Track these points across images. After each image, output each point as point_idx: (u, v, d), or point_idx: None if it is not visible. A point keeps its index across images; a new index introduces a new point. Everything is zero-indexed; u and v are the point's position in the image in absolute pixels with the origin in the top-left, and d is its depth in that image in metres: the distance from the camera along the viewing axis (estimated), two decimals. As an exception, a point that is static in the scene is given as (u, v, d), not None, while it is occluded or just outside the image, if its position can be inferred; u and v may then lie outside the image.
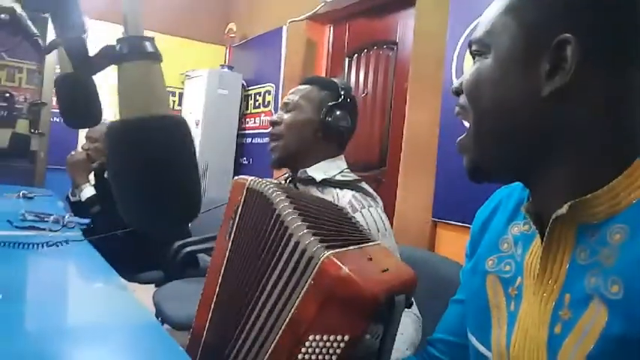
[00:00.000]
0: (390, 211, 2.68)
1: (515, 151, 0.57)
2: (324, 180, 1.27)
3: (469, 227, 1.97)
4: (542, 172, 0.57)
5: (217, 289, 1.10)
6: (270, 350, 0.84)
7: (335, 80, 1.39)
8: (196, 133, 4.23)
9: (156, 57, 0.54)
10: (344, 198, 1.22)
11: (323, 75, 3.67)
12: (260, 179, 1.12)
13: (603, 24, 0.52)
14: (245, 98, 4.40)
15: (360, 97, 3.23)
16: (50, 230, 1.65)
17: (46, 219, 1.78)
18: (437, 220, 2.32)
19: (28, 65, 3.95)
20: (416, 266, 0.84)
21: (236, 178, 1.24)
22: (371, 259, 0.86)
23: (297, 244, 0.85)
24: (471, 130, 0.60)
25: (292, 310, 0.81)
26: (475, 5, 2.18)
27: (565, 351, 0.52)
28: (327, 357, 0.74)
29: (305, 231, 0.84)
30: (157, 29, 4.60)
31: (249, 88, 4.37)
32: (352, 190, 1.25)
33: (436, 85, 2.35)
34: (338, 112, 1.30)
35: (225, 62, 4.66)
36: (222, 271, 1.09)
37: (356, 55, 3.33)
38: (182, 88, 4.71)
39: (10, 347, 0.70)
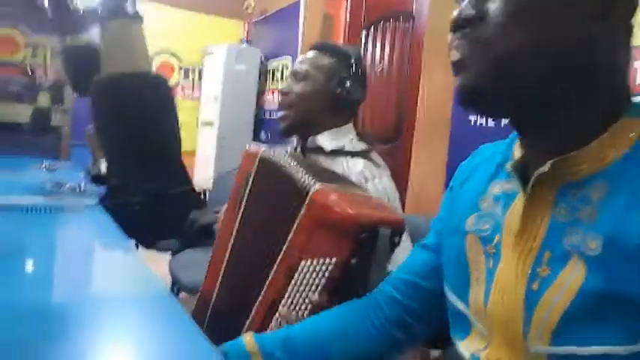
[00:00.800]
0: (404, 180, 2.69)
1: (532, 86, 0.54)
2: (333, 150, 1.28)
3: None
4: (542, 118, 0.56)
5: (227, 255, 1.13)
6: (268, 281, 0.90)
7: (346, 48, 1.37)
8: (215, 110, 4.28)
9: (135, 17, 0.56)
10: (355, 167, 1.23)
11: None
12: (271, 149, 1.15)
13: None
14: (264, 74, 4.42)
15: (376, 71, 3.21)
16: (68, 198, 1.71)
17: (66, 186, 1.85)
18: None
19: (52, 44, 4.02)
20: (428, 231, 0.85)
21: (247, 147, 1.27)
22: (362, 199, 0.92)
23: (297, 185, 0.92)
24: (487, 53, 0.54)
25: (288, 240, 0.89)
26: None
27: (542, 307, 0.52)
28: (317, 280, 0.80)
29: (309, 177, 0.91)
30: (177, 4, 4.63)
31: (267, 62, 4.38)
32: (363, 159, 1.25)
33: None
34: (349, 84, 1.29)
35: (243, 37, 4.67)
36: (232, 236, 1.13)
37: (373, 27, 3.30)
38: (202, 64, 4.75)
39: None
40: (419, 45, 2.75)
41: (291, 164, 0.98)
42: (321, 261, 0.80)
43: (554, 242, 0.53)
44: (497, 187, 0.65)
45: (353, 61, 1.31)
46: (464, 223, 0.67)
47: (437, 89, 2.43)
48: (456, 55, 0.57)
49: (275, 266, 0.91)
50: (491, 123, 2.10)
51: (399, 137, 2.92)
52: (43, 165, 2.53)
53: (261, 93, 4.42)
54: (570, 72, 0.52)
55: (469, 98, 0.57)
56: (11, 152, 3.11)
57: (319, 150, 1.28)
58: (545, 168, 0.53)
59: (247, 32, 4.77)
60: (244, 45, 4.45)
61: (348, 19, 3.61)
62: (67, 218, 1.47)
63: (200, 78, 4.80)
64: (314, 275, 0.81)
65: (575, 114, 0.54)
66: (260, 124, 4.40)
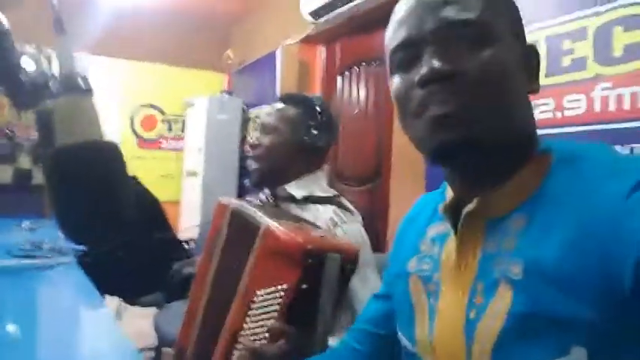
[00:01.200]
0: (385, 221, 2.72)
1: (503, 143, 0.57)
2: (304, 197, 1.30)
3: None
4: (486, 166, 0.59)
5: (203, 305, 1.15)
6: (229, 317, 0.94)
7: (310, 97, 1.41)
8: (199, 160, 4.32)
9: (87, 92, 0.60)
10: (325, 214, 1.25)
11: (318, 93, 3.75)
12: (241, 202, 1.18)
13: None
14: (245, 121, 4.49)
15: (354, 113, 3.29)
16: (45, 257, 1.71)
17: (43, 246, 1.85)
18: (429, 229, 2.34)
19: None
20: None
21: (219, 199, 1.30)
22: (311, 230, 0.97)
23: (255, 226, 0.97)
24: (472, 109, 0.56)
25: (245, 275, 0.94)
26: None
27: (479, 333, 0.55)
28: (272, 307, 0.84)
29: (267, 221, 0.95)
30: (159, 59, 4.75)
31: (249, 111, 4.46)
32: (332, 205, 1.28)
33: (421, 97, 2.40)
34: (315, 132, 1.32)
35: (224, 88, 4.77)
36: (207, 287, 1.15)
37: (347, 72, 3.40)
38: (184, 116, 4.83)
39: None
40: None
41: (258, 214, 1.01)
42: (274, 289, 0.85)
43: (486, 273, 0.57)
44: (433, 230, 0.69)
45: (318, 109, 1.35)
46: (406, 266, 0.71)
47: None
48: (443, 109, 0.56)
49: (235, 301, 0.95)
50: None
51: (379, 177, 2.97)
52: (24, 225, 2.53)
53: (243, 141, 4.49)
54: (518, 123, 0.59)
55: (452, 150, 0.57)
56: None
57: (291, 198, 1.31)
58: (472, 205, 0.58)
59: (228, 83, 4.88)
60: (225, 95, 4.54)
61: (323, 66, 3.72)
62: (43, 278, 1.47)
63: (183, 129, 4.87)
64: (269, 303, 0.85)
65: (500, 158, 0.58)
66: (244, 171, 4.44)
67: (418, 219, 0.75)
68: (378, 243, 2.90)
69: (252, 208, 1.09)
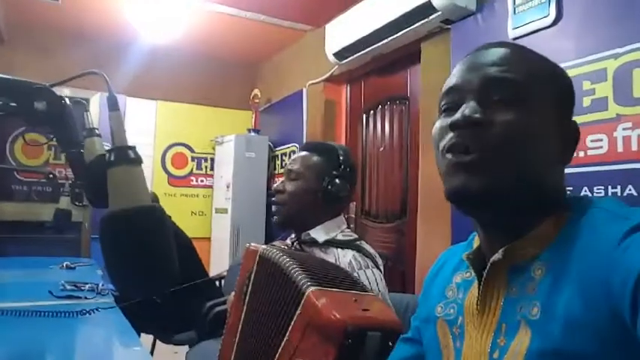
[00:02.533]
0: (412, 259, 2.73)
1: (522, 195, 0.62)
2: (326, 241, 1.35)
3: None
4: (508, 219, 0.65)
5: (234, 348, 1.19)
6: None
7: (335, 146, 1.47)
8: (227, 196, 4.42)
9: (137, 161, 0.68)
10: (345, 257, 1.30)
11: (343, 132, 3.83)
12: (269, 247, 1.23)
13: None
14: (272, 159, 4.59)
15: (378, 151, 3.34)
16: (85, 298, 1.79)
17: (82, 287, 1.93)
18: (456, 266, 2.35)
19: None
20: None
21: (247, 245, 1.35)
22: (356, 300, 0.94)
23: (295, 286, 0.96)
24: (494, 162, 0.61)
25: (286, 336, 0.93)
26: (474, 58, 2.30)
27: None
28: None
29: (302, 276, 0.96)
30: (189, 100, 4.92)
31: (276, 149, 4.56)
32: (353, 249, 1.33)
33: (445, 135, 2.44)
34: (338, 181, 1.38)
35: (252, 126, 4.90)
36: (238, 333, 1.19)
37: (372, 111, 3.47)
38: (213, 154, 4.96)
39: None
40: (416, 125, 2.90)
41: (287, 261, 1.04)
42: None
43: (509, 315, 0.62)
44: (459, 277, 0.75)
45: (341, 158, 1.41)
46: (434, 311, 0.76)
47: (435, 166, 2.53)
48: (455, 158, 0.63)
49: (276, 357, 0.95)
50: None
51: (406, 215, 3.00)
52: (63, 265, 2.64)
53: (271, 178, 4.57)
54: (542, 186, 0.64)
55: (471, 198, 0.62)
56: (34, 252, 3.25)
57: (314, 242, 1.36)
58: (499, 255, 0.63)
59: (255, 121, 5.01)
60: (253, 133, 4.66)
61: (348, 104, 3.81)
62: (83, 319, 1.53)
63: (212, 167, 5.00)
64: None
65: (528, 212, 0.64)
66: (272, 208, 4.50)
67: (445, 268, 0.81)
68: (405, 280, 2.91)
69: (280, 253, 1.11)
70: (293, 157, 1.49)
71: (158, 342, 2.89)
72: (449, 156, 0.63)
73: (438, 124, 0.69)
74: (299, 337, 0.89)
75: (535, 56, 0.68)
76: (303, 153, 1.46)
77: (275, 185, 1.47)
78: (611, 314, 0.51)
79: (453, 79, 0.68)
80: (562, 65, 1.95)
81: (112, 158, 0.67)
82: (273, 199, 1.46)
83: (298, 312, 0.92)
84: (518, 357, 0.58)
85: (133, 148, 0.67)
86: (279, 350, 0.95)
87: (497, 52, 0.66)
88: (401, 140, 3.14)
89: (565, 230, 0.61)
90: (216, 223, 4.73)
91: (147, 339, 2.85)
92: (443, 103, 0.69)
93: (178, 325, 2.63)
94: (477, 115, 0.62)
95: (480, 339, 0.64)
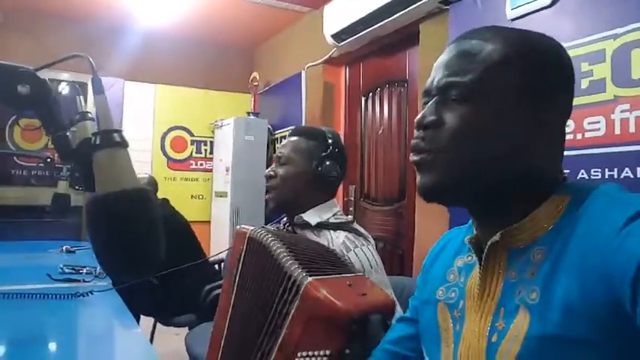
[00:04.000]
0: (410, 241, 2.74)
1: (481, 184, 0.64)
2: (318, 223, 1.36)
3: None
4: (491, 205, 0.66)
5: (225, 332, 1.20)
6: None
7: (323, 130, 1.48)
8: (227, 179, 4.42)
9: (122, 145, 0.68)
10: (338, 239, 1.31)
11: (342, 115, 3.81)
12: (259, 228, 1.23)
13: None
14: (272, 142, 4.59)
15: (377, 134, 3.33)
16: (84, 281, 1.81)
17: (81, 271, 1.95)
18: (454, 249, 2.35)
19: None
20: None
21: (237, 227, 1.36)
22: (350, 285, 0.96)
23: (289, 276, 0.96)
24: (439, 157, 0.64)
25: (283, 331, 0.93)
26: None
27: (499, 356, 0.60)
28: None
29: (295, 266, 0.96)
30: (187, 84, 4.90)
31: (275, 132, 4.55)
32: (345, 231, 1.34)
33: (443, 117, 2.43)
34: (328, 163, 1.39)
35: (251, 109, 4.88)
36: (228, 315, 1.20)
37: (371, 93, 3.46)
38: (213, 137, 4.95)
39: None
40: (414, 107, 2.88)
41: (275, 243, 1.04)
42: (317, 353, 0.84)
43: (507, 300, 0.62)
44: (460, 261, 0.75)
45: (330, 141, 1.42)
46: (435, 294, 0.76)
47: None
48: (414, 158, 0.67)
49: (274, 354, 0.95)
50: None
51: (404, 198, 3.00)
52: (63, 248, 2.66)
53: (270, 162, 4.56)
54: (510, 171, 0.63)
55: (429, 195, 0.66)
56: (34, 236, 3.27)
57: (306, 225, 1.37)
58: (496, 237, 0.64)
59: (254, 104, 4.99)
60: (252, 117, 4.64)
61: (347, 86, 3.79)
62: (82, 302, 1.55)
63: (212, 151, 4.99)
64: None
65: (516, 198, 0.64)
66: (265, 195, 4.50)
67: (445, 251, 0.81)
68: (403, 263, 2.92)
69: (269, 234, 1.11)
70: (282, 142, 1.50)
71: (159, 324, 2.92)
72: (411, 155, 0.68)
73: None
74: (301, 330, 0.89)
75: (502, 41, 0.66)
76: (292, 138, 1.47)
77: (266, 171, 1.47)
78: (611, 302, 0.51)
79: (427, 80, 0.70)
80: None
81: (97, 142, 0.67)
82: (266, 185, 1.47)
83: (297, 303, 0.92)
84: (516, 341, 0.58)
85: (119, 131, 0.67)
86: (277, 346, 0.95)
87: (461, 47, 0.67)
88: (400, 123, 3.13)
89: (565, 214, 0.61)
90: (216, 207, 4.74)
91: (148, 321, 2.87)
92: (422, 102, 0.71)
93: (177, 307, 2.65)
94: (431, 118, 0.65)
95: (479, 322, 0.65)
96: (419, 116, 0.67)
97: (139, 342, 1.26)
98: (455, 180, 0.64)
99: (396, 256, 2.96)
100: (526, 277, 0.61)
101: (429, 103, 0.67)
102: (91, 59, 0.68)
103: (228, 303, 1.20)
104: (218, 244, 4.51)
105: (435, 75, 0.68)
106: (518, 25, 2.04)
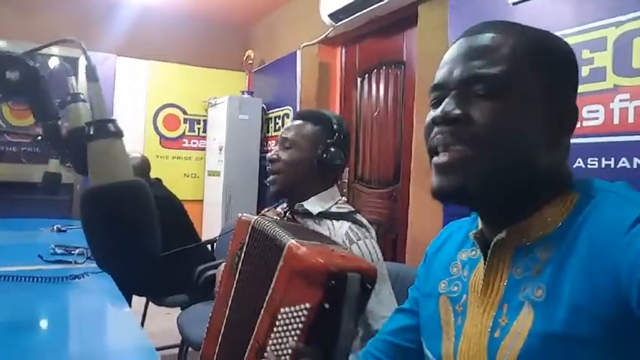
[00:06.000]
0: (404, 225, 2.74)
1: (507, 187, 0.62)
2: (320, 213, 1.34)
3: None
4: (505, 206, 0.64)
5: (225, 321, 1.20)
6: (254, 333, 0.96)
7: (329, 115, 1.45)
8: (220, 158, 4.39)
9: (117, 135, 0.66)
10: (340, 229, 1.29)
11: (337, 96, 3.77)
12: (261, 218, 1.22)
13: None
14: (266, 122, 4.54)
15: (372, 116, 3.31)
16: (75, 262, 1.79)
17: (73, 252, 1.93)
18: (447, 234, 2.36)
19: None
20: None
21: (239, 215, 1.35)
22: (333, 250, 0.98)
23: (279, 243, 0.97)
24: (478, 162, 0.61)
25: (270, 290, 0.94)
26: (473, 24, 2.24)
27: (501, 352, 0.60)
28: (296, 326, 0.86)
29: (288, 237, 0.96)
30: (181, 60, 4.83)
31: (269, 111, 4.51)
32: (348, 221, 1.32)
33: (440, 102, 2.41)
34: (333, 149, 1.36)
35: (245, 88, 4.82)
36: (229, 302, 1.19)
37: (367, 74, 3.42)
38: (206, 116, 4.90)
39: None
40: (411, 90, 2.85)
41: (280, 232, 1.04)
42: (297, 307, 0.86)
43: (511, 296, 0.62)
44: (464, 255, 0.75)
45: (336, 127, 1.39)
46: (437, 287, 0.76)
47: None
48: (443, 158, 0.63)
49: (261, 315, 0.97)
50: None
51: (399, 181, 2.99)
52: (54, 227, 2.63)
53: (264, 140, 4.53)
54: (531, 173, 0.62)
55: (448, 197, 0.64)
56: (25, 213, 3.23)
57: (307, 214, 1.35)
58: (503, 234, 0.63)
59: (248, 83, 4.93)
60: (246, 95, 4.59)
61: (343, 67, 3.74)
62: (73, 284, 1.54)
63: (205, 129, 4.94)
64: (292, 321, 0.87)
65: (527, 196, 0.64)
66: (265, 171, 4.48)
67: (449, 243, 0.80)
68: (396, 247, 2.93)
69: (272, 224, 1.12)
70: (286, 125, 1.47)
71: (151, 304, 2.92)
72: (434, 159, 0.65)
73: (427, 118, 0.68)
74: (283, 287, 0.91)
75: (522, 37, 0.63)
76: (297, 122, 1.44)
77: (269, 154, 1.45)
78: (618, 302, 0.51)
79: (439, 74, 0.67)
80: (561, 33, 1.91)
81: (92, 132, 0.65)
82: (268, 167, 1.44)
83: (280, 264, 0.95)
84: (519, 338, 0.58)
85: (113, 121, 0.65)
86: (265, 304, 0.97)
87: (480, 42, 0.64)
88: (395, 105, 3.10)
89: (573, 213, 0.60)
90: (209, 186, 4.71)
91: (139, 300, 2.87)
92: (431, 97, 0.68)
93: (170, 288, 2.65)
94: (456, 112, 0.62)
95: (482, 317, 0.65)
96: (439, 111, 0.63)
97: (132, 327, 1.26)
98: (480, 184, 0.61)
99: (389, 240, 2.96)
100: (532, 274, 0.60)
101: (449, 97, 0.63)
102: (83, 45, 0.66)
103: (229, 291, 1.20)
104: (211, 223, 4.50)
105: (453, 68, 0.64)
106: (520, 9, 2.01)
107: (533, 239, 0.62)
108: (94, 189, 0.61)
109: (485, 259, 0.66)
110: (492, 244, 0.64)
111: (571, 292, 0.55)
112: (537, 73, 0.62)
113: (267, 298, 0.97)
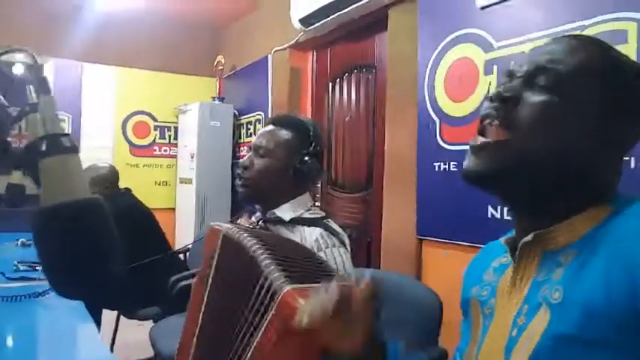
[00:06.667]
0: (378, 230, 2.73)
1: (543, 180, 0.64)
2: (292, 219, 1.31)
3: (453, 243, 2.06)
4: (537, 204, 0.66)
5: (196, 338, 1.15)
6: None
7: (305, 122, 1.40)
8: (192, 166, 4.33)
9: (72, 150, 0.62)
10: (311, 236, 1.26)
11: (309, 101, 3.76)
12: (234, 226, 1.17)
13: None
14: (237, 128, 4.50)
15: (344, 120, 3.30)
16: (39, 279, 1.72)
17: (37, 268, 1.86)
18: (422, 237, 2.36)
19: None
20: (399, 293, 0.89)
21: (211, 224, 1.30)
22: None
23: (265, 279, 0.89)
24: (512, 147, 0.64)
25: (257, 339, 0.87)
26: (442, 28, 2.26)
27: (516, 351, 0.61)
28: None
29: (273, 268, 0.89)
30: (150, 66, 4.74)
31: (241, 117, 4.46)
32: (320, 227, 1.28)
33: (411, 105, 2.41)
34: (309, 160, 1.32)
35: (216, 94, 4.76)
36: (200, 316, 1.15)
37: (338, 79, 3.41)
38: (177, 123, 4.82)
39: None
40: (382, 94, 2.85)
41: (253, 243, 0.99)
42: None
43: (532, 297, 0.63)
44: (496, 262, 0.77)
45: (312, 136, 1.34)
46: (469, 292, 0.79)
47: (401, 136, 2.50)
48: (479, 140, 0.66)
49: None
50: (454, 168, 2.17)
51: (372, 185, 2.98)
52: (18, 242, 2.54)
53: (236, 146, 4.49)
54: (566, 173, 0.64)
55: (481, 181, 0.67)
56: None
57: (279, 220, 1.32)
58: (529, 237, 0.65)
59: (219, 88, 4.87)
60: (217, 101, 4.53)
61: (314, 72, 3.73)
62: (37, 303, 1.48)
63: (176, 136, 4.86)
64: None
65: (561, 200, 0.65)
66: (237, 181, 4.43)
67: (486, 257, 0.82)
68: (370, 252, 2.92)
69: (250, 237, 1.06)
70: (261, 131, 1.41)
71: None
72: (472, 139, 0.68)
73: None
74: (273, 342, 0.83)
75: (600, 50, 0.66)
76: (272, 127, 1.38)
77: (241, 161, 1.39)
78: (634, 308, 0.52)
79: (512, 64, 0.71)
80: (528, 37, 1.93)
81: (44, 148, 0.61)
82: (239, 172, 1.39)
83: (272, 312, 0.86)
84: (534, 337, 0.59)
85: (67, 135, 0.61)
86: (252, 349, 0.91)
87: (557, 43, 0.68)
88: (367, 109, 3.10)
89: (602, 224, 0.62)
90: (181, 194, 4.64)
91: (111, 314, 2.80)
92: (501, 82, 0.71)
93: (142, 300, 2.58)
94: (510, 93, 0.65)
95: (505, 318, 0.66)
96: (495, 89, 0.67)
97: (97, 346, 1.21)
98: (508, 170, 0.64)
99: (363, 244, 2.95)
100: (552, 277, 0.62)
101: (512, 82, 0.67)
102: (36, 57, 0.62)
103: (199, 307, 1.15)
104: (184, 232, 4.43)
105: (528, 58, 0.68)
106: (488, 13, 2.03)
107: (560, 245, 0.63)
108: (49, 208, 0.57)
109: (513, 262, 0.68)
110: (520, 246, 0.66)
111: (587, 294, 0.56)
112: (601, 86, 0.63)
113: (253, 344, 0.90)
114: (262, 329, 0.87)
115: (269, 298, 0.86)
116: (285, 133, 1.35)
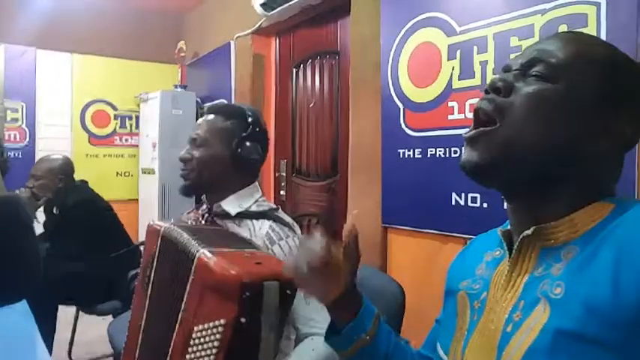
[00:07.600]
0: (343, 218, 2.70)
1: (536, 170, 0.64)
2: (239, 213, 1.27)
3: (417, 231, 2.03)
4: (536, 197, 0.65)
5: (140, 335, 1.12)
6: (170, 348, 0.92)
7: (242, 107, 1.36)
8: (154, 156, 4.21)
9: None
10: (261, 230, 1.22)
11: (272, 87, 3.69)
12: (173, 226, 1.13)
13: None
14: (201, 116, 4.37)
15: (308, 107, 3.25)
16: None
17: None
18: (387, 225, 2.34)
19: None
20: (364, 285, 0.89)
21: (150, 223, 1.25)
22: (247, 256, 0.93)
23: (189, 254, 0.93)
24: (500, 135, 0.63)
25: (183, 306, 0.90)
26: (405, 11, 2.22)
27: (511, 346, 0.60)
28: (212, 344, 0.81)
29: (198, 246, 0.93)
30: (108, 53, 4.58)
31: (204, 105, 4.35)
32: (269, 219, 1.25)
33: (375, 91, 2.38)
34: (248, 144, 1.29)
35: (178, 82, 4.64)
36: (143, 317, 1.11)
37: (302, 65, 3.35)
38: (138, 111, 4.68)
39: None
40: (346, 80, 2.81)
41: (191, 241, 0.97)
42: (212, 324, 0.82)
43: (529, 293, 0.62)
44: (489, 256, 0.76)
45: (250, 120, 1.31)
46: (458, 284, 0.77)
47: (365, 123, 2.47)
48: (471, 132, 0.66)
49: (175, 332, 0.91)
50: (418, 155, 2.14)
51: (337, 173, 2.95)
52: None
53: (200, 135, 4.38)
54: (563, 164, 0.63)
55: (476, 173, 0.66)
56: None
57: (227, 215, 1.27)
58: (529, 231, 0.64)
59: (181, 76, 4.74)
60: (179, 89, 4.41)
61: (278, 58, 3.66)
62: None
63: (137, 125, 4.72)
64: (208, 339, 0.82)
65: (560, 194, 0.64)
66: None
67: (477, 250, 0.80)
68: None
69: (184, 231, 1.05)
70: (197, 121, 1.38)
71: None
72: (468, 132, 0.67)
73: None
74: (196, 303, 0.86)
75: (598, 46, 0.67)
76: (209, 117, 1.35)
77: (181, 154, 1.35)
78: (636, 306, 0.51)
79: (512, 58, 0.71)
80: (490, 21, 1.91)
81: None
82: (181, 168, 1.35)
83: (191, 277, 0.90)
84: (531, 332, 0.58)
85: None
86: (177, 324, 0.91)
87: (554, 36, 0.69)
88: (331, 95, 3.06)
89: (605, 221, 0.61)
90: (144, 184, 4.52)
91: (70, 309, 2.70)
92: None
93: (98, 295, 2.50)
94: (501, 83, 0.65)
95: (499, 313, 0.65)
96: (490, 80, 0.67)
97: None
98: (499, 158, 0.63)
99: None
100: (552, 272, 0.61)
101: (506, 74, 0.67)
102: None
103: (142, 306, 1.13)
104: (147, 223, 4.32)
105: (524, 52, 0.69)
106: (449, -3, 2.00)
107: (560, 241, 0.63)
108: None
109: (510, 256, 0.67)
110: (519, 239, 0.65)
111: (591, 291, 0.55)
112: (599, 79, 0.63)
113: (180, 313, 0.91)
114: (186, 295, 0.90)
115: (190, 267, 0.91)
116: (220, 121, 1.32)
